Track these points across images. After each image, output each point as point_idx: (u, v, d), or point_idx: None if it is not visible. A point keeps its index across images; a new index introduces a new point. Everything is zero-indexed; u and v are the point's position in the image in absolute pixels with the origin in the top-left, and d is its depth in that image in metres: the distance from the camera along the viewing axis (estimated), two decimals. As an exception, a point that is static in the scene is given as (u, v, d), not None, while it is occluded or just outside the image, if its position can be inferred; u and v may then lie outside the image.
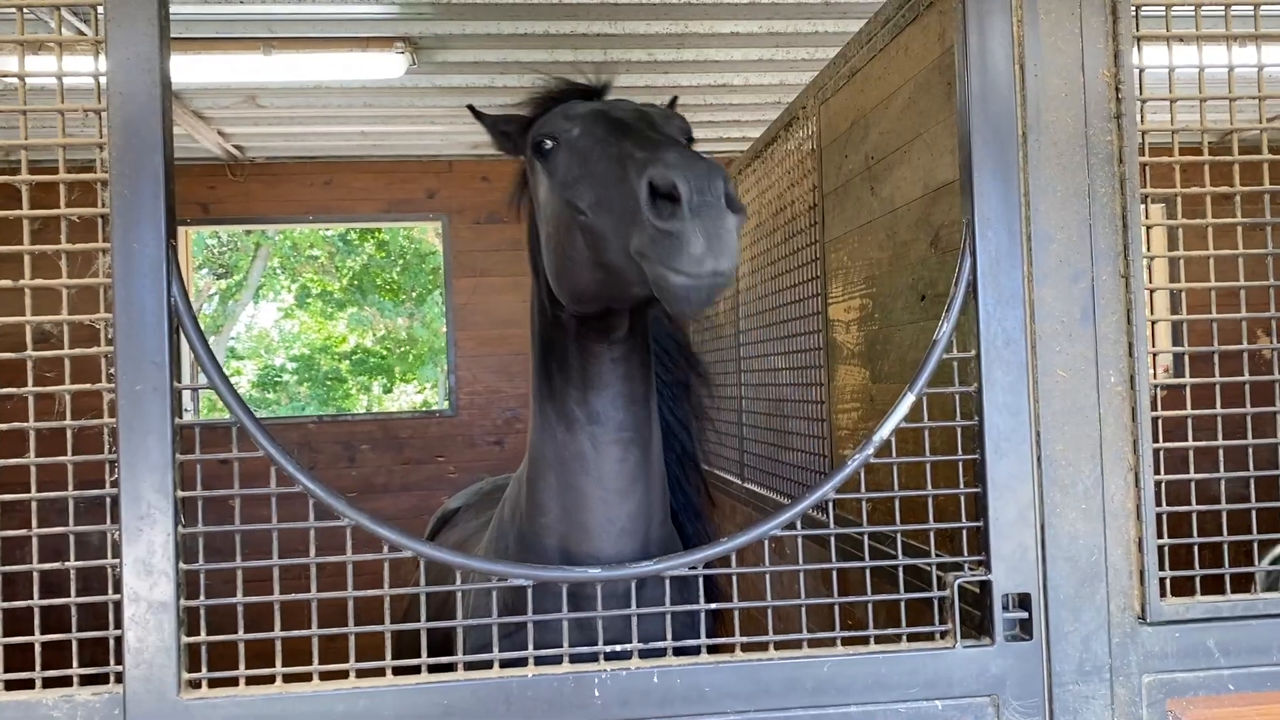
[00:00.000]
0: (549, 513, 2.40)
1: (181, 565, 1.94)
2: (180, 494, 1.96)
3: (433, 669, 2.01)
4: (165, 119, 1.99)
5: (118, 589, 1.93)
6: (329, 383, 18.49)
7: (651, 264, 1.86)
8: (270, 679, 1.97)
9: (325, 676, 1.98)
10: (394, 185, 6.93)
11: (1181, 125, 2.20)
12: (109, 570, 1.95)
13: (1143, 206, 2.19)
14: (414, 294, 18.01)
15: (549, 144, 2.28)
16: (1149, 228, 2.26)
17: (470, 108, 2.78)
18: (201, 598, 1.97)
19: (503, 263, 6.93)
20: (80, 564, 1.97)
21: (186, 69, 4.83)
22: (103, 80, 1.97)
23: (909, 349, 2.92)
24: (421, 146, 6.73)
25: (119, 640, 1.93)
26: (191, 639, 1.95)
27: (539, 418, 2.49)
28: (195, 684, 1.95)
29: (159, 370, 1.95)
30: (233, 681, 1.96)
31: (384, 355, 18.48)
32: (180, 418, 1.99)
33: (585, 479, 2.36)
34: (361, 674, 1.99)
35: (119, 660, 1.93)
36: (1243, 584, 2.21)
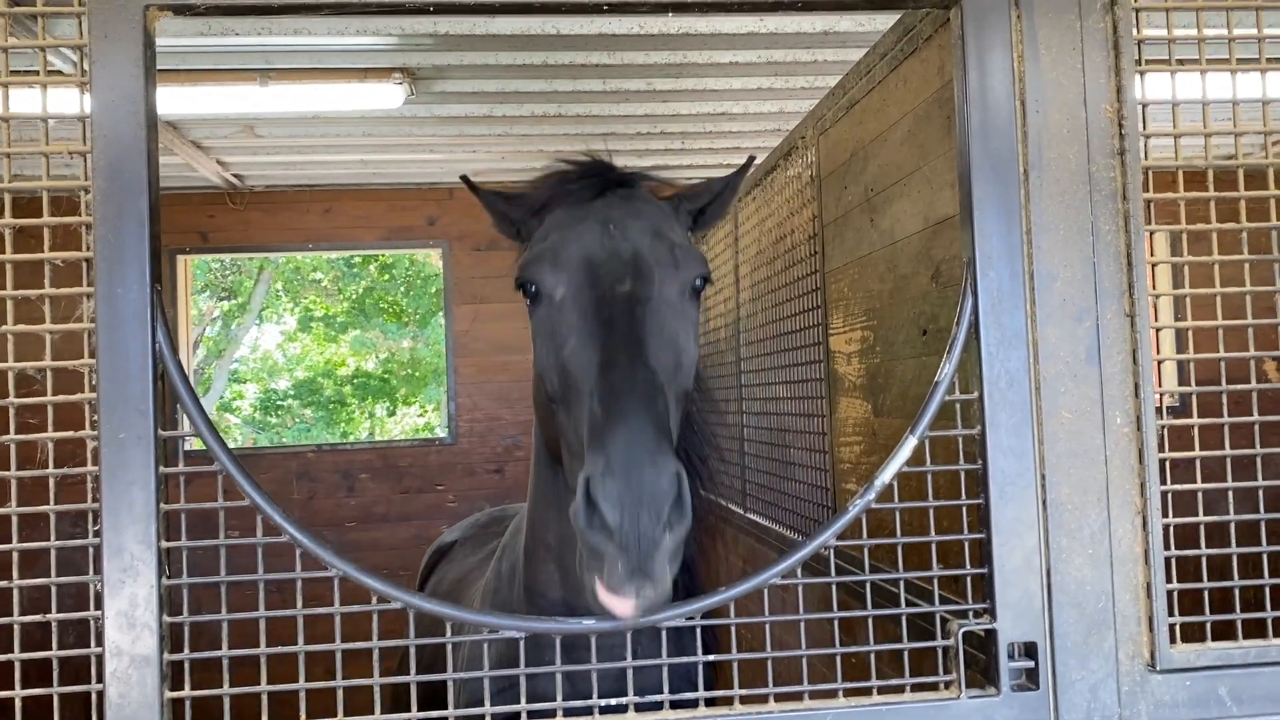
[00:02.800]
0: (550, 593, 2.40)
1: (165, 618, 1.90)
2: (165, 544, 1.91)
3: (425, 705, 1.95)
4: (151, 161, 1.95)
5: (99, 642, 1.88)
6: (331, 406, 18.45)
7: (581, 550, 1.79)
8: (256, 735, 1.91)
9: (312, 731, 1.92)
10: (394, 212, 6.92)
11: (1185, 161, 2.16)
12: (91, 622, 1.90)
13: (1147, 243, 2.15)
14: (417, 316, 18.00)
15: (533, 289, 2.18)
16: (1154, 265, 2.21)
17: (464, 179, 2.66)
18: (186, 651, 1.92)
19: (503, 289, 6.88)
20: (62, 616, 1.92)
21: (183, 100, 4.81)
22: (87, 121, 1.94)
23: (911, 383, 2.87)
24: (421, 174, 6.72)
25: (100, 695, 1.88)
26: (175, 694, 1.90)
27: (538, 495, 2.46)
28: (178, 740, 1.90)
29: (143, 418, 1.91)
30: (217, 738, 1.91)
31: (386, 378, 18.45)
32: (165, 466, 1.94)
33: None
34: (350, 728, 1.93)
35: (100, 716, 1.88)
36: (1255, 629, 2.15)
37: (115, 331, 1.91)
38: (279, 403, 18.56)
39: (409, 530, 6.44)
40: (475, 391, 6.89)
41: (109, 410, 1.90)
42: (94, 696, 1.89)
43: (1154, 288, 2.17)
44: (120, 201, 1.93)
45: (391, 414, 18.60)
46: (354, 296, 18.01)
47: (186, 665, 1.92)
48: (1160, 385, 2.18)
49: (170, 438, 1.94)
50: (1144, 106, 2.15)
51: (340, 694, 1.94)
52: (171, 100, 4.76)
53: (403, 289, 18.02)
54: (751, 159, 2.76)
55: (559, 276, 2.13)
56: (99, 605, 1.89)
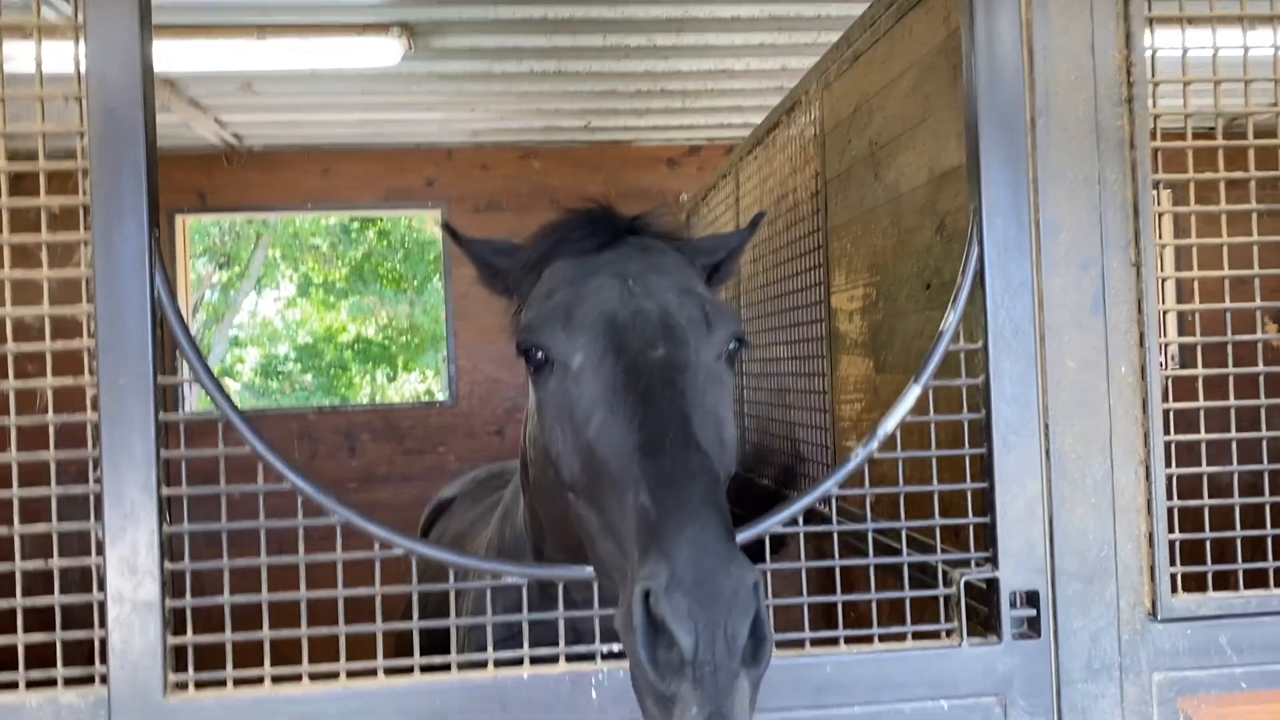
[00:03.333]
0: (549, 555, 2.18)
1: (167, 564, 1.89)
2: (166, 491, 1.91)
3: (426, 670, 1.96)
4: (147, 106, 1.92)
5: (101, 588, 1.88)
6: (332, 372, 18.44)
7: (636, 685, 1.47)
8: (259, 680, 1.92)
9: (315, 677, 1.93)
10: (392, 173, 6.86)
11: (1195, 109, 2.13)
12: (94, 569, 1.90)
13: (1154, 193, 2.13)
14: (415, 282, 17.95)
15: (539, 355, 1.83)
16: (1160, 214, 2.19)
17: (445, 226, 2.33)
18: (188, 597, 1.92)
19: (503, 251, 6.88)
20: (65, 562, 1.92)
21: (179, 55, 4.76)
22: (82, 66, 1.91)
23: (914, 339, 2.86)
24: (420, 134, 6.66)
25: (103, 641, 1.88)
26: (177, 639, 1.90)
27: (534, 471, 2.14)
28: (181, 685, 1.90)
29: (142, 364, 1.90)
30: (220, 683, 1.91)
31: (386, 344, 18.43)
32: (166, 412, 1.93)
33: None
34: (353, 674, 1.94)
35: (104, 661, 1.88)
36: (1256, 579, 2.15)
37: (113, 277, 1.90)
38: (280, 368, 18.55)
39: (411, 491, 6.45)
40: (475, 354, 6.87)
41: (107, 356, 1.89)
42: (96, 643, 1.89)
43: (1160, 238, 2.15)
44: (117, 148, 1.90)
45: (392, 380, 18.60)
46: (353, 262, 17.95)
47: (189, 612, 1.92)
48: (1165, 336, 2.17)
49: (170, 384, 1.93)
50: (1153, 53, 2.12)
51: (343, 641, 1.95)
52: (168, 55, 4.71)
53: (400, 256, 17.96)
54: (762, 214, 2.48)
55: (575, 341, 1.79)
56: (100, 552, 1.89)
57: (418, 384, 18.63)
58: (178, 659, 1.92)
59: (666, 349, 1.75)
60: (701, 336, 1.83)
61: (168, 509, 1.92)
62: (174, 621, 1.91)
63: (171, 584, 1.92)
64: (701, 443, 1.63)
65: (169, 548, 1.92)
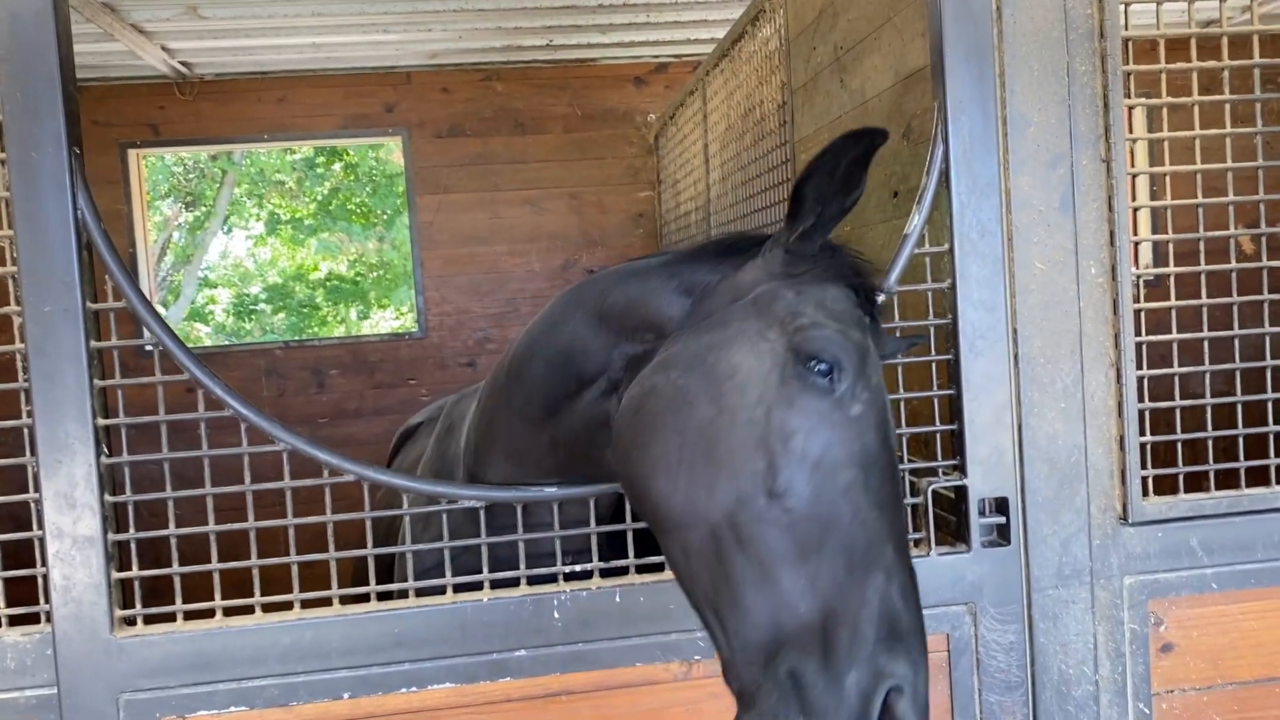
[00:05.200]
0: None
1: (107, 498, 1.82)
2: (101, 422, 1.83)
3: (382, 596, 1.91)
4: (59, 14, 1.80)
5: (40, 525, 1.81)
6: (304, 310, 18.22)
7: None
8: (210, 613, 1.86)
9: (269, 609, 1.88)
10: (350, 99, 6.65)
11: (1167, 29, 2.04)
12: (31, 505, 1.83)
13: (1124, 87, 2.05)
14: (384, 217, 17.67)
15: (826, 367, 1.52)
16: (1131, 109, 2.11)
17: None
18: (131, 530, 1.86)
19: (468, 178, 6.71)
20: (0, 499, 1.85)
21: (118, -22, 4.56)
22: (-15, -29, 1.78)
23: (881, 249, 2.78)
24: (377, 57, 6.44)
25: (45, 578, 1.81)
26: (122, 574, 1.84)
27: (502, 409, 2.05)
28: (129, 621, 1.84)
29: (69, 290, 1.80)
30: (170, 617, 1.86)
31: (357, 281, 18.19)
32: (97, 340, 1.84)
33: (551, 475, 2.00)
34: (307, 604, 1.89)
35: (47, 600, 1.82)
36: (1227, 480, 2.12)
37: (32, 199, 1.79)
38: (252, 307, 18.31)
39: (383, 424, 6.36)
40: (443, 285, 6.74)
41: (31, 283, 1.79)
42: (40, 579, 1.83)
43: (1130, 131, 2.08)
44: (27, 57, 1.78)
45: (365, 317, 18.40)
46: (320, 198, 17.62)
47: (133, 545, 1.85)
48: (1136, 235, 2.11)
49: (101, 310, 1.84)
50: (1124, -64, 2.03)
51: (295, 571, 1.89)
52: (105, -21, 4.50)
53: (369, 190, 17.64)
54: (916, 340, 2.03)
55: (863, 387, 1.54)
56: (37, 487, 1.81)
57: (393, 320, 18.47)
58: (124, 594, 1.86)
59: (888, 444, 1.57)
60: None
61: (106, 440, 1.84)
62: (118, 556, 1.85)
63: (115, 518, 1.85)
64: None
65: (110, 480, 1.85)
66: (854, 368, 1.53)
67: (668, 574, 1.95)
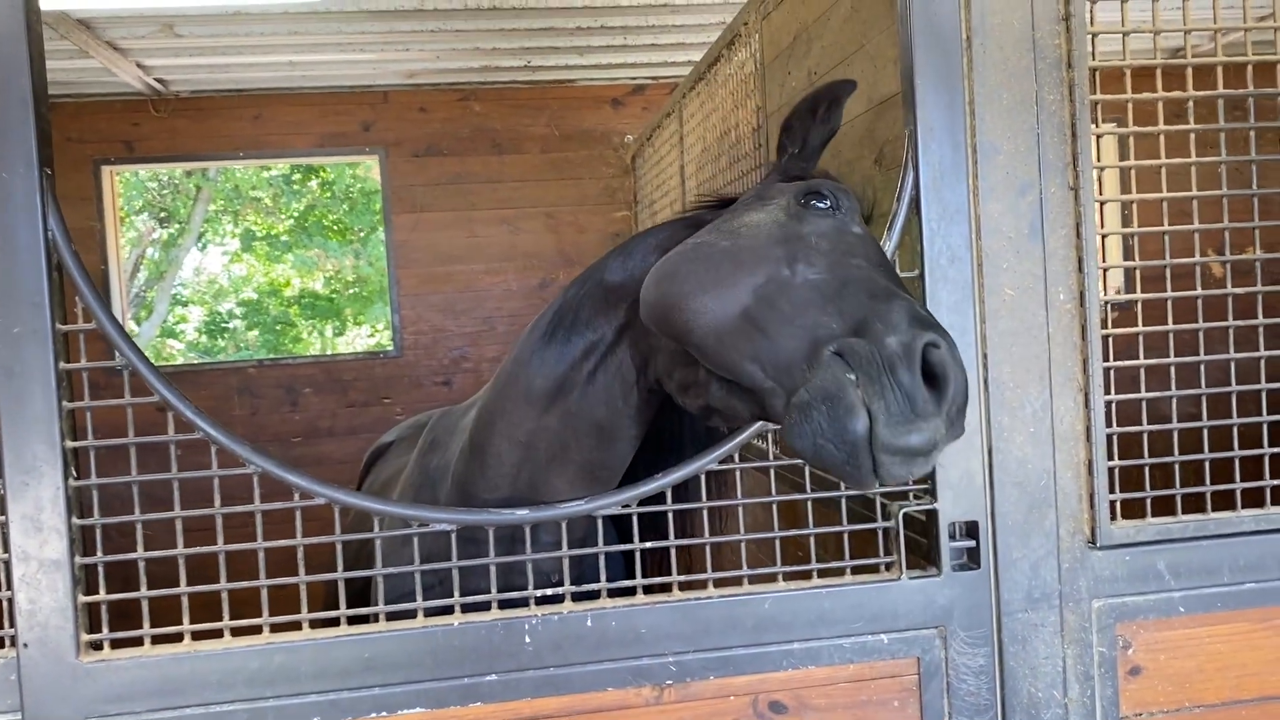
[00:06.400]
0: (493, 492, 2.16)
1: (75, 520, 1.81)
2: (70, 444, 1.81)
3: (353, 620, 1.90)
4: (32, 33, 1.79)
5: (6, 548, 1.79)
6: (279, 328, 18.10)
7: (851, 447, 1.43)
8: (178, 637, 1.85)
9: (238, 633, 1.86)
10: (327, 118, 6.63)
11: (1134, 26, 2.08)
12: (-3, 529, 1.81)
13: (1092, 116, 2.08)
14: (361, 234, 17.61)
15: (829, 204, 1.79)
16: (1099, 137, 2.15)
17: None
18: (99, 554, 1.84)
19: (444, 197, 6.71)
20: (-35, 522, 1.82)
21: (94, -5, 4.53)
22: (-42, -9, 1.77)
23: (854, 273, 2.81)
24: (353, 76, 6.43)
25: (10, 602, 1.79)
26: (89, 598, 1.82)
27: (511, 391, 2.14)
28: (96, 645, 1.82)
29: (38, 311, 1.79)
30: (137, 641, 1.84)
31: (333, 298, 18.10)
32: (67, 362, 1.83)
33: (554, 464, 2.10)
34: (276, 628, 1.87)
35: (13, 624, 1.80)
36: (1194, 504, 2.15)
37: (2, 219, 1.78)
38: (224, 324, 18.17)
39: (356, 444, 6.32)
40: (419, 303, 6.72)
41: (0, 304, 1.78)
42: (4, 604, 1.81)
43: (1098, 159, 2.11)
44: (0, 78, 1.78)
45: (340, 334, 18.30)
46: (296, 214, 17.55)
47: (101, 569, 1.84)
48: (1105, 261, 2.14)
49: (71, 331, 1.83)
50: (1091, -32, 2.06)
51: (264, 595, 1.88)
52: (80, -5, 4.48)
53: (345, 207, 17.59)
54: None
55: (860, 222, 1.85)
56: (3, 510, 1.79)
57: (368, 338, 18.37)
58: (91, 618, 1.84)
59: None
60: None
61: (74, 463, 1.82)
62: (85, 580, 1.83)
63: (83, 540, 1.83)
64: None
65: (78, 503, 1.83)
66: (850, 206, 1.81)
67: (640, 598, 1.95)
